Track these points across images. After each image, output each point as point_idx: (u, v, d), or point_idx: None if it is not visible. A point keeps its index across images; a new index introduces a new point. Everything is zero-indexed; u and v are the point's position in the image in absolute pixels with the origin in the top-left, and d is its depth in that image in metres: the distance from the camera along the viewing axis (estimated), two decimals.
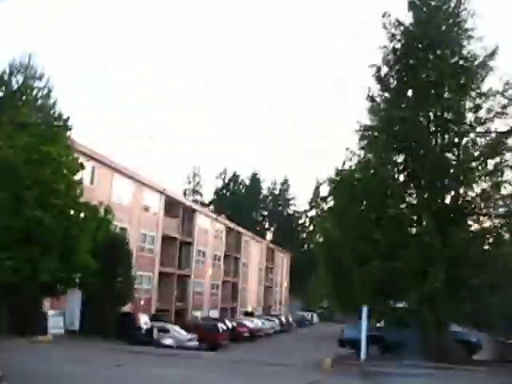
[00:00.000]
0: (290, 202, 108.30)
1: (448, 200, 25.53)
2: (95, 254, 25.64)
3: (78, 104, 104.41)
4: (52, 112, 27.33)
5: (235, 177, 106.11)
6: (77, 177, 26.48)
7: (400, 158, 26.27)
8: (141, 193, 41.99)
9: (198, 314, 51.04)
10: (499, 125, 25.16)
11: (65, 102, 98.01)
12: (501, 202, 25.29)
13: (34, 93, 27.68)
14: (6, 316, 24.24)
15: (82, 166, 26.66)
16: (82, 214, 25.46)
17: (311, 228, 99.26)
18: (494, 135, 25.22)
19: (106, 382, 14.22)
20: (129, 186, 40.22)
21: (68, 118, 27.08)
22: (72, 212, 25.14)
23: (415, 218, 25.83)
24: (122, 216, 37.00)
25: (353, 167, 27.52)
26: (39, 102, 27.59)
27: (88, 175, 34.03)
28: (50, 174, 23.61)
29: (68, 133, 27.31)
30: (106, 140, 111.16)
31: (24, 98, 27.44)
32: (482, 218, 25.68)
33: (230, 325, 43.90)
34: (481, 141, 25.47)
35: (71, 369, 16.26)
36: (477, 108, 25.29)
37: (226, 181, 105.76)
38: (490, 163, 25.15)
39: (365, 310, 23.44)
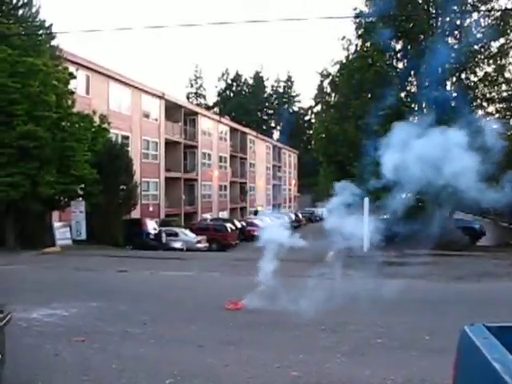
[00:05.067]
0: (295, 99, 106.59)
1: (449, 86, 24.74)
2: (95, 163, 25.61)
3: (64, 11, 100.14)
4: (34, 21, 26.04)
5: (238, 76, 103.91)
6: (69, 87, 25.83)
7: (398, 45, 25.26)
8: (140, 99, 41.26)
9: (207, 216, 51.63)
10: (504, 2, 23.94)
11: (49, 9, 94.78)
12: (504, 86, 24.50)
13: (14, 1, 26.29)
14: (12, 232, 24.53)
15: (71, 76, 25.96)
16: (76, 125, 25.06)
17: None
18: (498, 14, 23.95)
19: (109, 286, 14.43)
20: (127, 93, 39.48)
21: (51, 26, 25.82)
22: (66, 123, 24.72)
23: (415, 106, 25.19)
24: (122, 124, 36.65)
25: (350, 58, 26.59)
26: (20, 12, 26.24)
27: (83, 85, 33.33)
28: (38, 85, 22.92)
29: (54, 42, 26.28)
30: (99, 47, 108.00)
31: (4, 8, 26.12)
32: (484, 103, 24.99)
33: (238, 224, 44.32)
34: (484, 21, 24.27)
35: (79, 276, 16.56)
36: None
37: (229, 81, 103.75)
38: (494, 45, 24.13)
39: (366, 201, 23.38)
